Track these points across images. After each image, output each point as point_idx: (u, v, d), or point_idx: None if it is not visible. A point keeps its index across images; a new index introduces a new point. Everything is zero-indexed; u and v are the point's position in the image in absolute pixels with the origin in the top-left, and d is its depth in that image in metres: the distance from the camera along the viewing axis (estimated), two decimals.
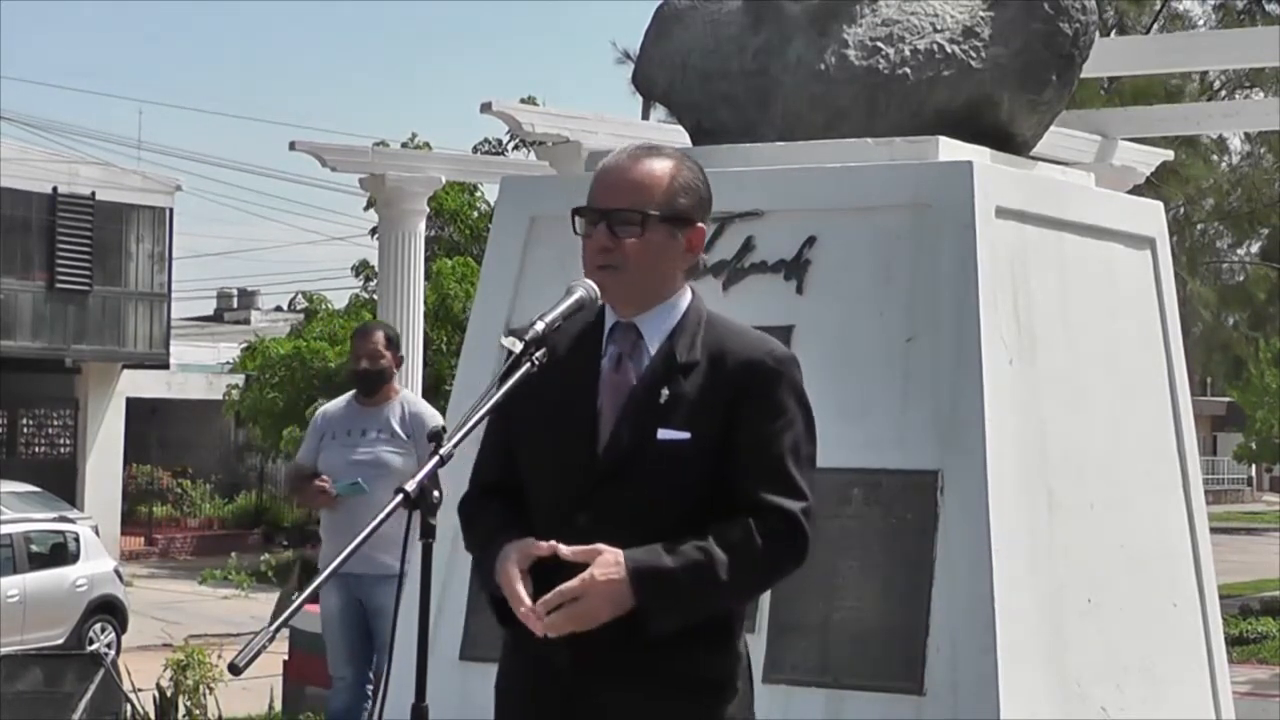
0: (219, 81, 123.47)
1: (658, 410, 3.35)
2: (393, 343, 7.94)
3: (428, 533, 3.20)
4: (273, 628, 3.09)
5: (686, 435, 3.33)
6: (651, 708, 3.33)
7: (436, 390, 20.34)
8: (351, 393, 8.00)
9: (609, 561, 3.25)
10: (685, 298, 3.48)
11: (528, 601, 3.28)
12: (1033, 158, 5.89)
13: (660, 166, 3.45)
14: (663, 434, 3.33)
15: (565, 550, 3.28)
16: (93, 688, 10.45)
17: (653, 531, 3.29)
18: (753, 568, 3.31)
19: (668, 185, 3.43)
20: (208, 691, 11.04)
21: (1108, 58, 12.68)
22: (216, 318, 51.36)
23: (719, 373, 3.37)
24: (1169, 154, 17.11)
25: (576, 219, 3.47)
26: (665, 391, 3.37)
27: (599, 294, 3.46)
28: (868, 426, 5.03)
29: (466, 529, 3.54)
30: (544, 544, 3.31)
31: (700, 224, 3.50)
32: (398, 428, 7.69)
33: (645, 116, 22.89)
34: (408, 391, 8.42)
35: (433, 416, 7.64)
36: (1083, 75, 5.94)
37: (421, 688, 3.23)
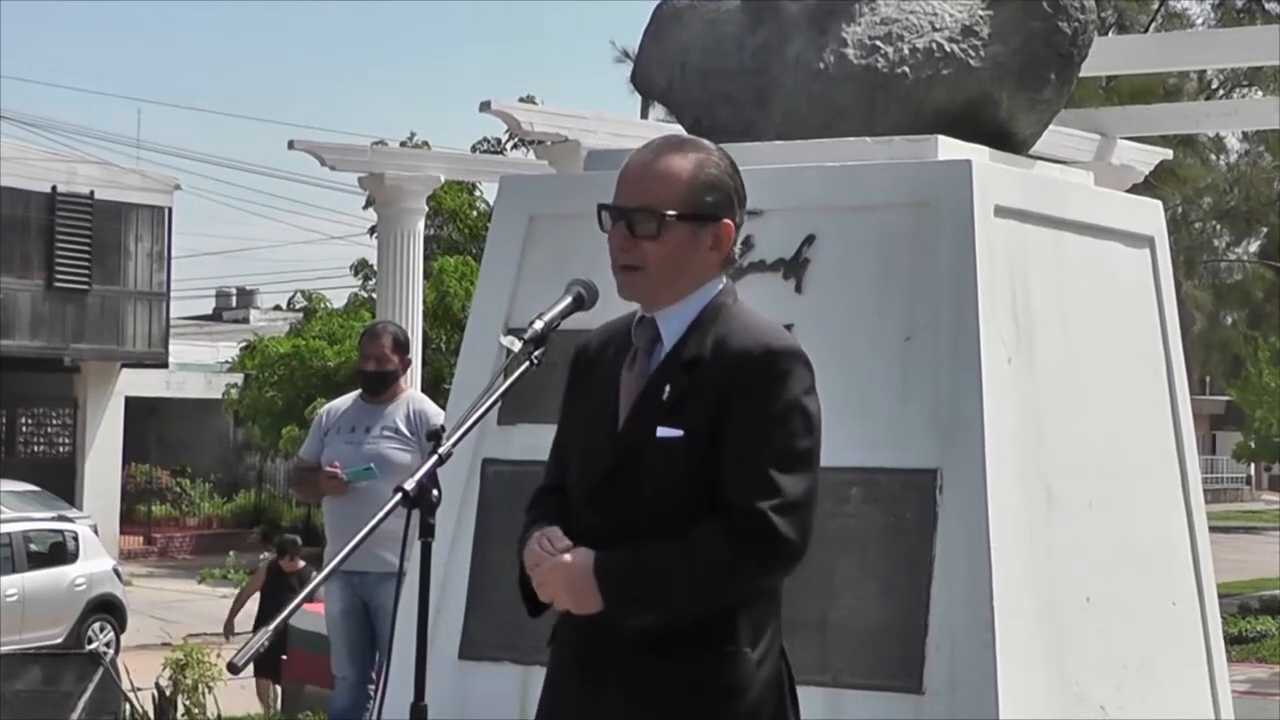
0: (218, 81, 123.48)
1: (660, 408, 3.34)
2: (401, 346, 7.94)
3: (426, 531, 3.20)
4: (271, 626, 3.10)
5: (680, 433, 3.31)
6: (654, 712, 3.32)
7: (435, 389, 20.35)
8: (357, 391, 8.02)
9: (577, 556, 3.30)
10: (711, 291, 3.42)
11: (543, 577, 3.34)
12: (1032, 156, 5.89)
13: (682, 163, 3.39)
14: (661, 432, 3.32)
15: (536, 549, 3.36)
16: (91, 687, 10.45)
17: (659, 529, 3.28)
18: (715, 571, 3.26)
19: (689, 182, 3.37)
20: (207, 690, 11.06)
21: (1107, 56, 12.69)
22: (215, 317, 51.40)
23: (716, 367, 3.33)
24: (1168, 153, 17.15)
25: (602, 214, 3.42)
26: (669, 389, 3.35)
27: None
28: (866, 425, 5.02)
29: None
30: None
31: (727, 220, 3.42)
32: (403, 425, 7.69)
33: (644, 115, 22.94)
34: (414, 390, 8.44)
35: (437, 415, 7.63)
36: (1081, 74, 5.94)
37: (420, 687, 3.23)
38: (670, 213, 3.35)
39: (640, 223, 3.36)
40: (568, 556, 3.30)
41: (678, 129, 6.18)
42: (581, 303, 3.49)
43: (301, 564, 14.31)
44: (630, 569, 3.27)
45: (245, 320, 47.72)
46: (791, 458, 3.29)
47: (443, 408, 7.36)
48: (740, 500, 3.26)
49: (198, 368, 38.39)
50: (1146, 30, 32.37)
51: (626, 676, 3.32)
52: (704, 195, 3.39)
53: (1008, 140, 5.70)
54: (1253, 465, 54.02)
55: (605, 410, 3.40)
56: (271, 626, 3.10)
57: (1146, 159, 15.82)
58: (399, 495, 3.17)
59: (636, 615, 3.29)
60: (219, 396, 34.29)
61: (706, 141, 3.53)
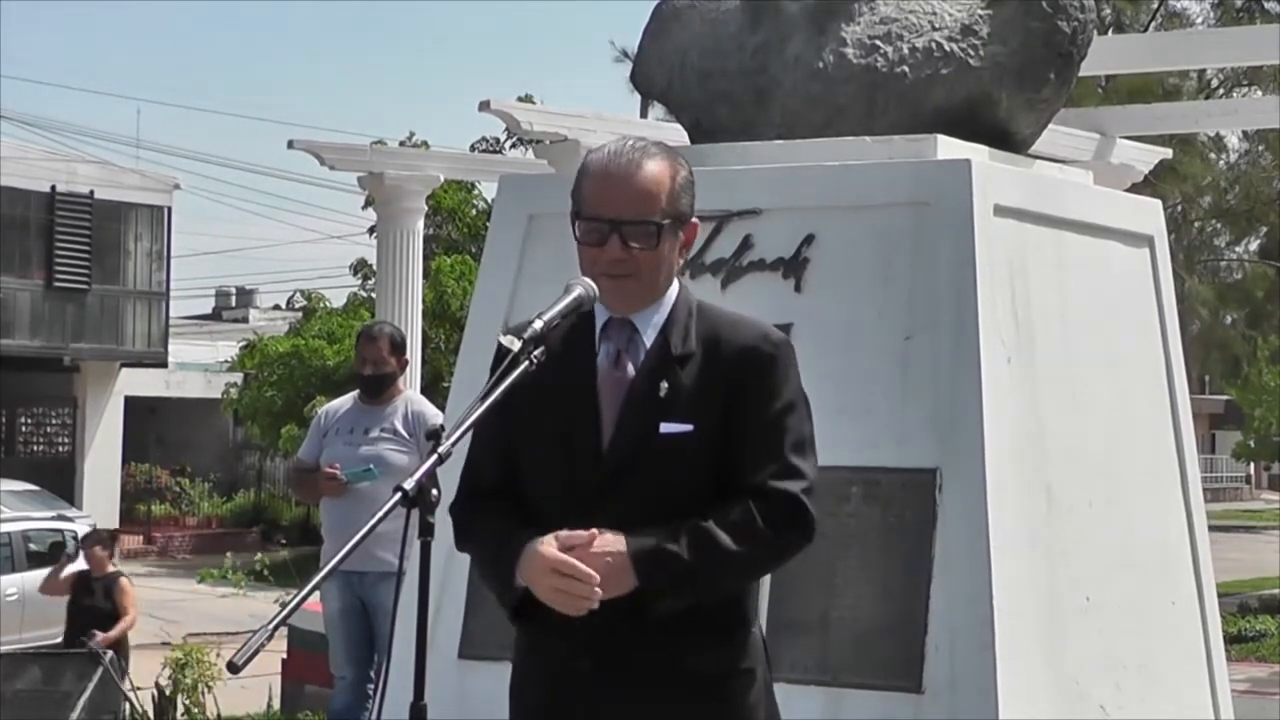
0: (217, 80, 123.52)
1: (659, 404, 3.37)
2: (397, 347, 7.97)
3: (426, 531, 3.20)
4: (271, 625, 3.09)
5: (689, 427, 3.34)
6: (675, 709, 3.34)
7: (435, 388, 20.35)
8: (355, 392, 8.04)
9: (608, 541, 3.29)
10: (674, 289, 3.48)
11: (590, 571, 3.28)
12: (1031, 156, 5.89)
13: (660, 168, 3.43)
14: (665, 427, 3.35)
15: (563, 535, 3.31)
16: (91, 686, 10.45)
17: (661, 523, 3.31)
18: (754, 547, 3.33)
19: (670, 189, 3.42)
20: (206, 690, 11.05)
21: (1106, 56, 12.68)
22: (215, 316, 51.41)
23: (716, 362, 3.39)
24: (1167, 152, 17.13)
25: (582, 225, 3.42)
26: (664, 384, 3.38)
27: (598, 294, 3.45)
28: (866, 425, 5.02)
29: (468, 533, 3.52)
30: (565, 533, 3.32)
31: (695, 220, 3.51)
32: (400, 426, 7.73)
33: (643, 115, 22.94)
34: (411, 391, 8.47)
35: (435, 416, 7.65)
36: (1081, 73, 5.94)
37: (420, 686, 3.23)
38: (665, 222, 3.41)
39: (637, 234, 3.39)
40: (609, 545, 3.29)
41: (677, 128, 6.19)
42: (582, 302, 3.49)
43: (111, 568, 12.60)
44: (667, 554, 3.29)
45: (245, 320, 47.72)
46: (805, 443, 3.42)
47: (442, 407, 7.37)
48: (773, 485, 3.34)
49: (197, 367, 38.39)
50: (1146, 30, 32.38)
51: (649, 666, 3.33)
52: (682, 199, 3.46)
53: (1007, 139, 5.70)
54: (1252, 464, 54.01)
55: (584, 412, 3.40)
56: (271, 624, 3.09)
57: (1146, 158, 15.80)
58: (398, 495, 3.17)
59: (677, 598, 3.30)
60: (218, 396, 34.27)
61: (664, 143, 3.58)
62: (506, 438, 3.48)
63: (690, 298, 3.50)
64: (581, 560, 3.28)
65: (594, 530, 3.31)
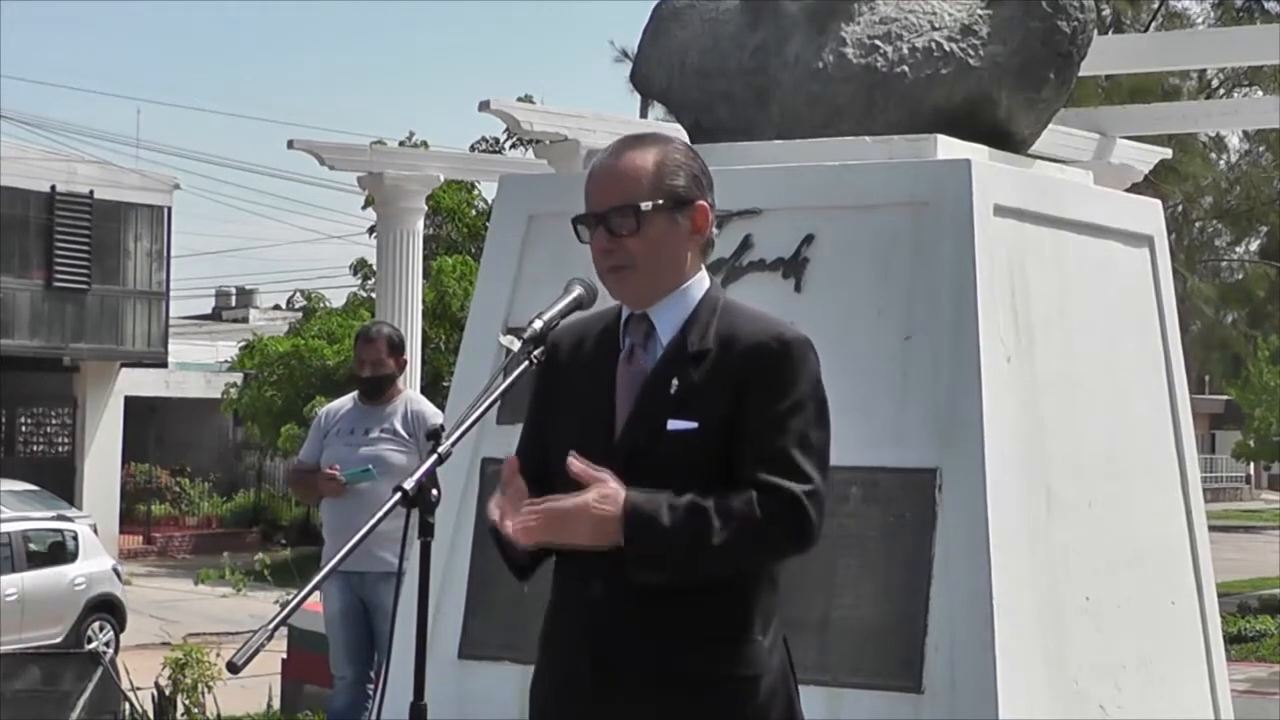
0: (217, 80, 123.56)
1: (668, 401, 3.35)
2: (396, 348, 7.98)
3: (426, 531, 3.20)
4: (271, 625, 3.09)
5: (695, 425, 3.32)
6: (670, 712, 3.32)
7: (434, 388, 20.35)
8: (355, 392, 8.06)
9: (607, 493, 3.24)
10: (700, 285, 3.45)
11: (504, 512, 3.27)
12: (1031, 156, 5.89)
13: (643, 155, 3.42)
14: (673, 424, 3.32)
15: (576, 466, 3.25)
16: (91, 686, 10.45)
17: None
18: (745, 539, 3.26)
19: (655, 171, 3.40)
20: (206, 690, 11.04)
21: (1106, 56, 12.68)
22: (215, 316, 51.44)
23: (727, 358, 3.35)
24: (1167, 152, 17.14)
25: (579, 228, 3.44)
26: (676, 381, 3.36)
27: (599, 291, 3.45)
28: (866, 425, 5.02)
29: None
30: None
31: (701, 202, 3.45)
32: (400, 427, 7.74)
33: (643, 115, 22.95)
34: (411, 391, 8.47)
35: (435, 415, 7.66)
36: (1081, 73, 5.94)
37: (420, 686, 3.23)
38: (645, 205, 3.38)
39: (618, 222, 3.38)
40: (603, 504, 3.23)
41: (677, 128, 6.19)
42: (581, 302, 3.50)
43: None
44: (659, 526, 3.23)
45: (244, 320, 47.75)
46: (813, 446, 3.34)
47: (441, 407, 7.38)
48: (774, 480, 3.28)
49: (197, 367, 38.40)
50: (1146, 30, 32.37)
51: (643, 669, 3.32)
52: (671, 181, 3.41)
53: (1007, 139, 5.70)
54: (1252, 464, 54.05)
55: (600, 406, 3.40)
56: (270, 624, 3.09)
57: (1146, 158, 15.81)
58: (398, 495, 3.17)
59: (648, 571, 3.25)
60: (218, 396, 34.30)
61: (662, 133, 3.56)
62: (540, 430, 3.51)
63: (718, 295, 3.46)
64: (574, 504, 3.23)
65: (601, 476, 3.25)
